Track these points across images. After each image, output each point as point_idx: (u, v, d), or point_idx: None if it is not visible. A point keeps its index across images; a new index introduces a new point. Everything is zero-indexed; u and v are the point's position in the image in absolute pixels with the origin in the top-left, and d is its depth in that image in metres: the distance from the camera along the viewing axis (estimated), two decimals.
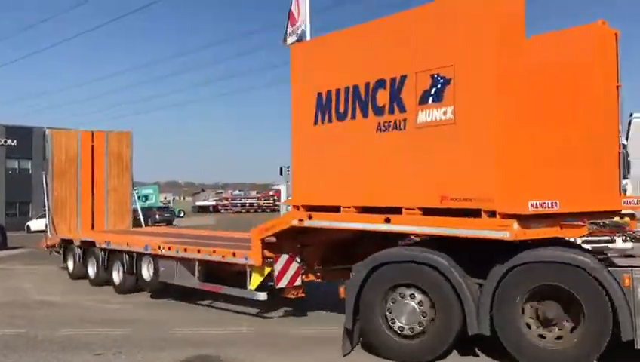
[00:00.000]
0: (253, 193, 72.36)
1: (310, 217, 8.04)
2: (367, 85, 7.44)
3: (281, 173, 15.83)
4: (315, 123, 8.09)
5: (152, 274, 11.41)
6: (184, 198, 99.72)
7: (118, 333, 8.55)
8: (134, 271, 11.83)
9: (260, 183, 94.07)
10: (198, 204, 74.00)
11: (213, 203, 72.08)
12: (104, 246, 12.65)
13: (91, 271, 13.35)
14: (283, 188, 15.99)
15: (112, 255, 12.51)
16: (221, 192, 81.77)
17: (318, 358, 7.14)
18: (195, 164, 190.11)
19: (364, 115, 7.47)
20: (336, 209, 7.72)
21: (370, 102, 7.40)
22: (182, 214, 50.63)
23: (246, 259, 9.16)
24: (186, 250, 10.40)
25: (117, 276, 12.38)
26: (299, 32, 16.45)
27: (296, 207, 8.34)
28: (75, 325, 9.22)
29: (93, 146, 16.22)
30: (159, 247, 10.98)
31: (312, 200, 8.15)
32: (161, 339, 8.17)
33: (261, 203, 65.99)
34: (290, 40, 16.75)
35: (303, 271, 9.03)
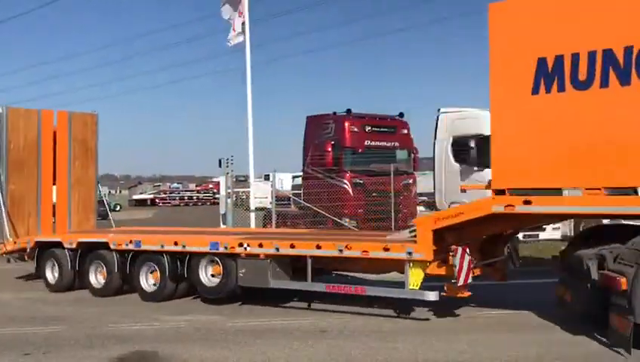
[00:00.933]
0: (192, 186, 71.29)
1: (528, 202, 7.20)
2: (628, 49, 6.60)
3: (220, 165, 15.58)
4: (535, 92, 7.23)
5: (220, 277, 9.69)
6: (120, 192, 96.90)
7: (49, 331, 8.23)
8: (185, 275, 10.07)
9: (199, 176, 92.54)
10: (135, 197, 71.98)
11: (151, 196, 70.39)
12: (124, 247, 10.58)
13: (95, 280, 11.03)
14: (222, 180, 15.73)
15: (137, 258, 10.54)
16: (159, 185, 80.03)
17: (257, 351, 7.14)
18: (131, 156, 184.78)
19: (624, 82, 6.69)
20: (553, 191, 7.22)
21: (635, 68, 6.61)
22: (118, 208, 49.15)
23: (409, 253, 8.08)
24: (293, 245, 9.16)
25: (145, 283, 10.44)
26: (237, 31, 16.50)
27: (497, 191, 7.56)
28: (2, 324, 8.78)
29: (55, 130, 13.58)
30: (241, 245, 9.45)
31: (525, 182, 7.36)
32: (94, 336, 7.95)
33: (200, 195, 65.07)
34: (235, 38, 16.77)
35: (473, 265, 8.13)
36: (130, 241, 10.59)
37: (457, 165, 16.30)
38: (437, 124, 17.38)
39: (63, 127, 13.72)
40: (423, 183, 18.22)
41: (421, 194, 18.39)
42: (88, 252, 11.15)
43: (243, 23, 16.44)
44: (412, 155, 16.66)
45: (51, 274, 11.61)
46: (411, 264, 8.12)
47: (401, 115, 16.70)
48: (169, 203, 64.55)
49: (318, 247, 8.98)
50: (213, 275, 9.89)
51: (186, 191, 67.75)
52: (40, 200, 13.31)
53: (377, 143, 15.90)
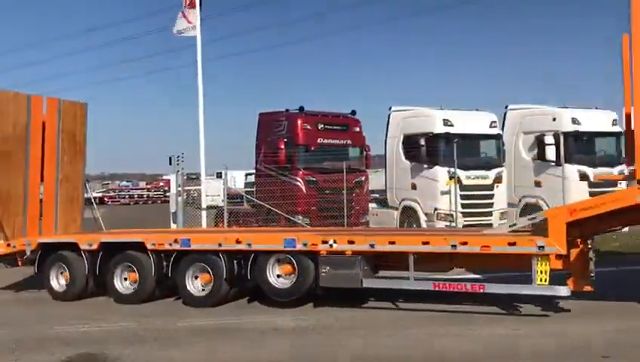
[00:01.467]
0: (143, 184, 69.80)
1: None
2: None
3: (170, 163, 15.30)
4: None
5: (291, 278, 8.93)
6: None
7: None
8: (248, 277, 9.22)
9: (150, 174, 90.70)
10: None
11: (99, 195, 68.57)
12: (167, 247, 9.55)
13: (121, 285, 9.87)
14: (173, 178, 15.47)
15: (181, 260, 9.54)
16: (107, 183, 78.04)
17: (207, 349, 7.08)
18: None
19: None
20: None
21: None
22: None
23: (540, 247, 7.67)
24: (393, 241, 8.59)
25: (192, 286, 9.43)
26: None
27: None
28: None
29: (44, 119, 12.01)
30: (325, 242, 8.71)
31: None
32: (41, 338, 7.70)
33: (151, 194, 63.85)
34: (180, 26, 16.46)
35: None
36: (176, 241, 9.55)
37: (408, 162, 16.75)
38: (388, 122, 17.77)
39: (52, 116, 12.17)
40: (375, 180, 18.45)
41: (373, 191, 18.60)
42: (112, 254, 9.96)
43: (194, 15, 16.13)
44: (364, 153, 16.78)
45: (57, 281, 10.28)
46: (539, 259, 7.73)
47: (354, 112, 16.85)
48: (118, 201, 63.04)
49: (425, 243, 8.43)
50: (279, 276, 9.09)
51: (136, 189, 66.28)
52: (27, 198, 11.67)
53: (330, 141, 15.98)
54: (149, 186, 67.36)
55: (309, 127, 15.58)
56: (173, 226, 14.77)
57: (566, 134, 16.00)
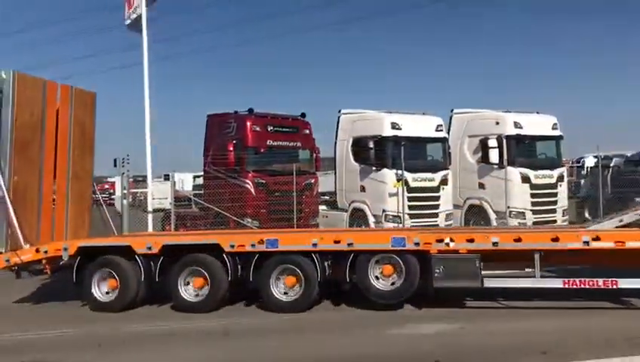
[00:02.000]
0: None
1: None
2: None
3: (115, 165, 14.91)
4: None
5: (395, 279, 8.63)
6: None
7: None
8: (347, 279, 8.87)
9: (96, 176, 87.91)
10: None
11: None
12: (249, 249, 8.98)
13: (186, 292, 9.12)
14: (118, 181, 15.08)
15: (263, 262, 8.98)
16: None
17: (145, 358, 6.98)
18: None
19: None
20: None
21: None
22: None
23: None
24: (519, 239, 8.32)
25: (276, 290, 8.89)
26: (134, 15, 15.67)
27: None
28: None
29: (58, 108, 10.66)
30: (440, 240, 8.45)
31: None
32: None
33: (96, 196, 61.81)
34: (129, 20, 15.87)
35: None
36: (261, 241, 8.96)
37: (357, 165, 16.91)
38: (338, 125, 17.91)
39: (65, 104, 10.83)
40: (325, 183, 18.56)
41: (323, 194, 18.68)
42: (176, 258, 9.24)
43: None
44: (314, 155, 16.85)
45: (100, 290, 9.37)
46: None
47: (303, 115, 16.88)
48: None
49: (555, 240, 8.20)
50: (377, 277, 8.74)
51: None
52: (42, 195, 10.36)
53: (280, 143, 15.96)
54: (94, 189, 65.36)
55: (258, 128, 15.51)
56: (150, 230, 14.30)
57: (509, 138, 16.57)
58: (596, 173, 19.29)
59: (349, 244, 8.78)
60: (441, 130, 17.02)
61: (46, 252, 9.57)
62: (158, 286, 9.31)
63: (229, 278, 8.95)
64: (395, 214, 15.66)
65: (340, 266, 8.85)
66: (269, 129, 15.80)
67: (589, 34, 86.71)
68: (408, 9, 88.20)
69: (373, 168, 16.32)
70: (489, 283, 8.41)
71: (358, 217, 16.76)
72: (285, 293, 8.86)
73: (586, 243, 8.13)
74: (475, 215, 17.19)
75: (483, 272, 8.40)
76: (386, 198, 15.93)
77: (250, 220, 14.78)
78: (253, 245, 8.99)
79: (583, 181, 26.36)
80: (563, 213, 17.25)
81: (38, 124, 10.31)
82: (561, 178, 17.27)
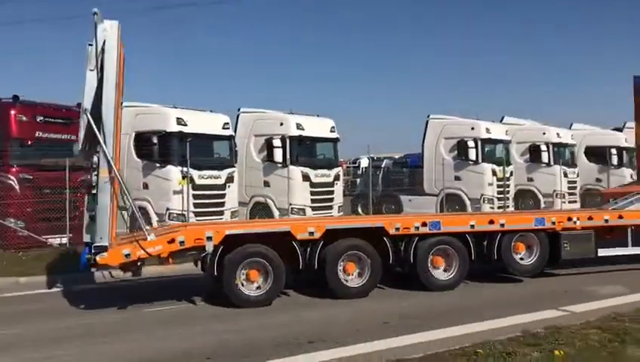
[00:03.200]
0: None
1: None
2: None
3: None
4: None
5: (531, 255, 10.27)
6: None
7: None
8: (493, 257, 9.95)
9: None
10: None
11: None
12: (412, 231, 9.44)
13: (344, 278, 8.98)
14: None
15: (419, 243, 9.47)
16: None
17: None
18: None
19: None
20: None
21: None
22: None
23: None
24: (622, 216, 10.86)
25: (434, 270, 9.57)
26: None
27: None
28: None
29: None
30: (570, 219, 10.54)
31: None
32: None
33: None
34: None
35: None
36: (424, 224, 9.49)
37: (140, 161, 16.04)
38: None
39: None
40: None
41: None
42: (331, 243, 9.00)
43: None
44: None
45: (246, 282, 8.56)
46: None
47: (79, 105, 15.59)
48: None
49: None
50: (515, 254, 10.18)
51: None
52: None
53: (51, 135, 14.48)
54: None
55: (25, 118, 13.91)
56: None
57: (292, 138, 17.33)
58: (370, 173, 21.54)
59: (502, 225, 10.05)
60: (228, 128, 17.02)
61: (182, 242, 8.41)
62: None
63: (391, 260, 9.33)
64: (180, 212, 15.26)
65: (487, 245, 10.00)
66: (38, 119, 14.25)
67: (366, 45, 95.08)
68: None
69: (157, 165, 15.70)
70: (602, 253, 10.57)
71: (141, 215, 16.03)
72: (444, 273, 9.69)
73: None
74: (260, 211, 17.65)
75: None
76: (170, 196, 15.44)
77: (13, 221, 13.20)
78: (417, 227, 9.51)
79: (358, 180, 28.82)
80: (338, 209, 18.58)
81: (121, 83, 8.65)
82: (337, 177, 18.48)
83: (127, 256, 8.15)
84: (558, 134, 24.22)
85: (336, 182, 18.41)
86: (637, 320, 6.62)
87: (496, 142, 21.86)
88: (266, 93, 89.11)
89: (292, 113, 18.28)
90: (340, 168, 19.40)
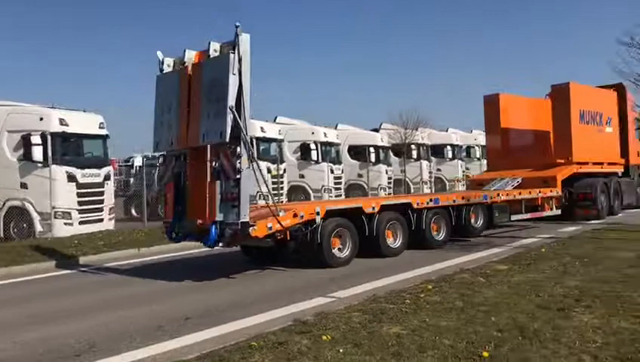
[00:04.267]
0: None
1: None
2: None
3: None
4: None
5: (481, 221, 14.86)
6: None
7: None
8: (463, 223, 14.28)
9: None
10: None
11: None
12: (425, 205, 13.31)
13: (389, 241, 12.48)
14: None
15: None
16: None
17: None
18: None
19: None
20: None
21: None
22: None
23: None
24: (531, 193, 16.91)
25: (433, 233, 13.43)
26: None
27: None
28: None
29: None
30: (499, 195, 15.77)
31: None
32: None
33: None
34: None
35: None
36: (431, 199, 13.52)
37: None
38: None
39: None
40: None
41: None
42: (380, 215, 12.12)
43: None
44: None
45: (336, 248, 11.27)
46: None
47: None
48: None
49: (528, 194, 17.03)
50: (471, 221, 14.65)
51: None
52: None
53: None
54: None
55: None
56: None
57: (54, 135, 16.01)
58: (144, 172, 20.63)
59: (468, 200, 14.32)
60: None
61: (302, 216, 10.63)
62: None
63: (412, 228, 12.82)
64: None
65: (456, 215, 13.93)
66: None
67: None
68: None
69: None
70: (514, 218, 15.98)
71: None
72: (437, 233, 13.44)
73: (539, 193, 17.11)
74: (17, 216, 15.96)
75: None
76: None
77: None
78: (427, 202, 13.19)
79: (132, 179, 27.59)
80: (110, 211, 17.56)
81: None
82: (107, 177, 17.60)
83: (269, 228, 10.05)
84: (325, 134, 26.30)
85: (106, 182, 17.36)
86: (391, 301, 7.37)
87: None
88: None
89: (53, 107, 16.77)
90: (110, 167, 18.27)
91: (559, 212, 17.63)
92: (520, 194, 16.40)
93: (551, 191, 17.29)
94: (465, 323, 6.21)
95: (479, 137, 38.38)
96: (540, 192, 16.93)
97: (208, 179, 9.95)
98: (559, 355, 5.19)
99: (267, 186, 11.20)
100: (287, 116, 27.70)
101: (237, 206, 9.39)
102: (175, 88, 10.37)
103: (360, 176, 28.52)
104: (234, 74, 9.35)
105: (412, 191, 31.19)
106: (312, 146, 25.59)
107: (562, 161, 18.65)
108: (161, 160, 24.10)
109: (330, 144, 26.70)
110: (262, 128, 22.78)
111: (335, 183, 26.51)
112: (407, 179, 30.55)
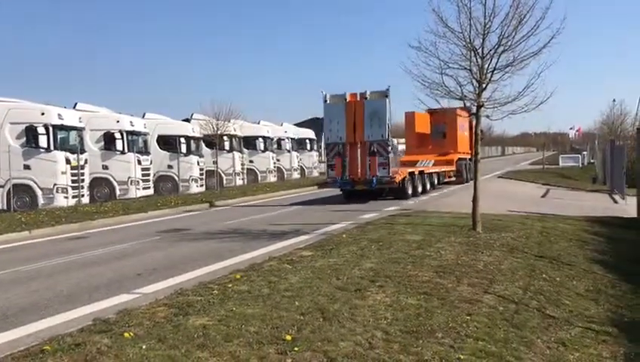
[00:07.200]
0: None
1: None
2: None
3: None
4: None
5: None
6: None
7: None
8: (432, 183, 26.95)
9: None
10: None
11: None
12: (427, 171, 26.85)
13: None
14: None
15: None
16: None
17: None
18: None
19: None
20: None
21: None
22: None
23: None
24: (438, 165, 28.33)
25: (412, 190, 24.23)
26: None
27: None
28: None
29: None
30: (428, 167, 26.93)
31: None
32: None
33: None
34: None
35: None
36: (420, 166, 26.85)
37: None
38: None
39: None
40: None
41: None
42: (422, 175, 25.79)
43: None
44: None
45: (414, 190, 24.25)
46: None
47: None
48: None
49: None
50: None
51: None
52: None
53: None
54: None
55: None
56: None
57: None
58: None
59: (433, 166, 27.60)
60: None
61: (400, 174, 22.36)
62: None
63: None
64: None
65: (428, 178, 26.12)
66: None
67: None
68: None
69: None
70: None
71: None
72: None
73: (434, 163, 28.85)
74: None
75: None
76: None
77: None
78: (430, 171, 26.67)
79: None
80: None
81: None
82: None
83: (400, 178, 22.24)
84: (131, 122, 25.08)
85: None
86: (199, 293, 7.31)
87: (69, 128, 21.83)
88: None
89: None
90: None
91: (454, 179, 29.91)
92: (442, 169, 28.47)
93: (451, 167, 29.79)
94: (270, 309, 6.41)
95: (289, 130, 40.12)
96: (448, 169, 29.45)
97: (368, 156, 21.26)
98: (355, 333, 5.62)
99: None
100: (90, 103, 25.83)
101: (387, 168, 21.25)
102: (341, 112, 21.43)
103: (170, 167, 27.69)
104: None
105: (225, 182, 31.22)
106: (117, 135, 24.16)
107: (452, 151, 30.60)
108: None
109: (138, 133, 25.47)
110: (59, 115, 21.10)
111: (143, 175, 25.37)
112: (219, 170, 30.42)
